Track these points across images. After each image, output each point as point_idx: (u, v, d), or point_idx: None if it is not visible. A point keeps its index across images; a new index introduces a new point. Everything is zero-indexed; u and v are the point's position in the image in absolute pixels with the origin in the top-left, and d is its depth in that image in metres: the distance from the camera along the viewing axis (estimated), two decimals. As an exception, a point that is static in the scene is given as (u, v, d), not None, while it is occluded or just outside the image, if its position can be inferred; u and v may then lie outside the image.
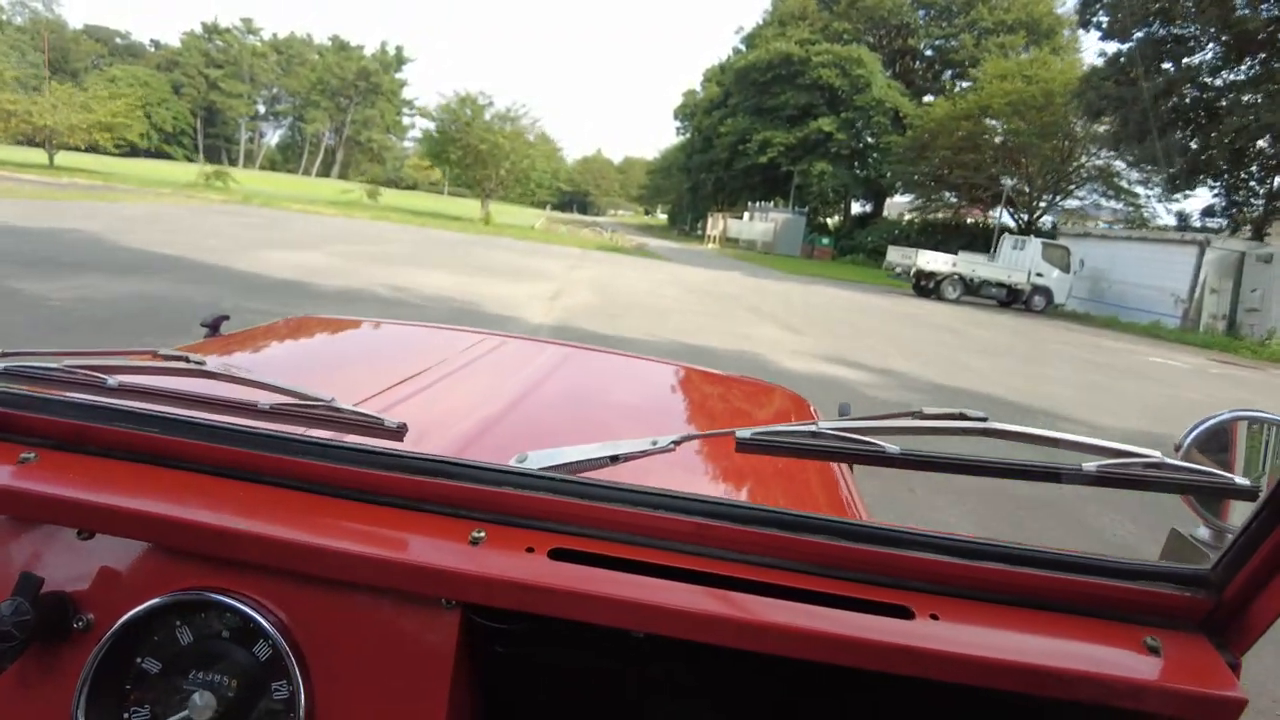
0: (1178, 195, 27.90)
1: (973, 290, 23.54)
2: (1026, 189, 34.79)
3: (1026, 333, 16.83)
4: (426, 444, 0.93)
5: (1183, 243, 22.38)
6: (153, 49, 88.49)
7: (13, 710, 0.73)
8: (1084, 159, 33.62)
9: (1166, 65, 25.01)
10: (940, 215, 41.22)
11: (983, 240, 31.21)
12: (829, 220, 48.01)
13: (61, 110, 31.77)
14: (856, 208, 49.22)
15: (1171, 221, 29.60)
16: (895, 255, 25.55)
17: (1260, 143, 23.65)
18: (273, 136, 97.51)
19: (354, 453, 0.78)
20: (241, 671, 0.72)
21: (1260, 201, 25.08)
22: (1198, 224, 27.10)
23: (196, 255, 10.87)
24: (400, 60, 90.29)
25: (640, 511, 0.76)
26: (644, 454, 0.87)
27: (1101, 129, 29.24)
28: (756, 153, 43.80)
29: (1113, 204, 34.72)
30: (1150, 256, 23.10)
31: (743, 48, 52.51)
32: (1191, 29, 24.17)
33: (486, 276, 13.22)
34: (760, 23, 52.45)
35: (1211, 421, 0.85)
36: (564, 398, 1.52)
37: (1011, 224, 34.27)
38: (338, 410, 0.82)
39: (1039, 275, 23.40)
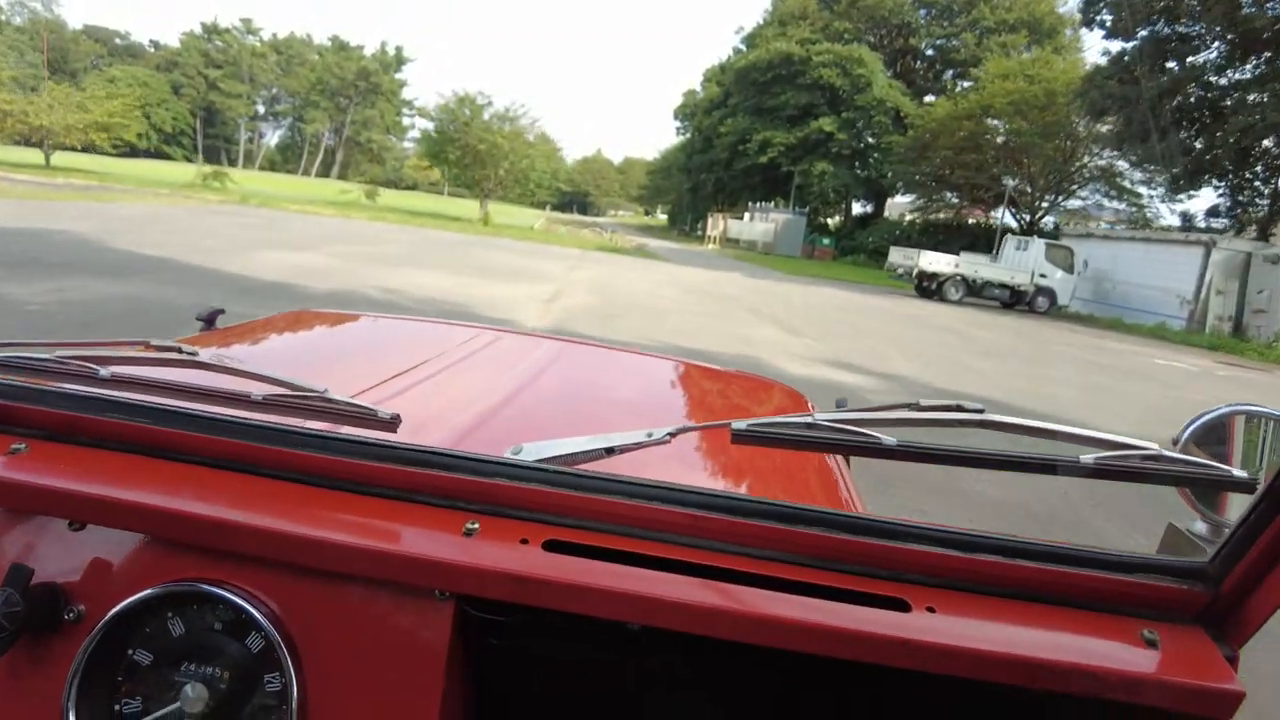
0: (1182, 195, 27.78)
1: (975, 291, 23.37)
2: (1028, 189, 34.66)
3: (1030, 334, 16.69)
4: (421, 437, 0.89)
5: (1187, 243, 22.20)
6: (152, 49, 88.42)
7: (2, 701, 0.73)
8: (1086, 159, 33.49)
9: (1171, 64, 24.88)
10: (942, 215, 41.12)
11: (984, 241, 31.08)
12: (830, 221, 47.91)
13: (58, 110, 31.59)
14: (857, 208, 49.13)
15: (1174, 222, 29.50)
16: (897, 256, 25.41)
17: (1265, 142, 23.53)
18: (272, 137, 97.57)
19: (347, 444, 0.78)
20: (234, 663, 0.72)
21: (1265, 202, 24.96)
22: (1202, 224, 26.95)
23: (188, 256, 10.71)
24: (400, 60, 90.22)
25: (635, 503, 0.75)
26: (639, 446, 0.86)
27: (1105, 129, 29.12)
28: (757, 153, 43.69)
29: (1115, 204, 34.60)
30: (1154, 257, 22.93)
31: (743, 47, 52.44)
32: (1196, 27, 24.03)
33: (483, 278, 13.06)
34: (760, 22, 52.39)
35: (1209, 416, 0.85)
36: (560, 392, 1.52)
37: (1014, 224, 34.15)
38: (331, 401, 0.81)
39: (1042, 276, 23.23)
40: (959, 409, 0.83)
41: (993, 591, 0.74)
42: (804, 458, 1.30)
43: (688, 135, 60.96)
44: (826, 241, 42.50)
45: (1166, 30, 24.61)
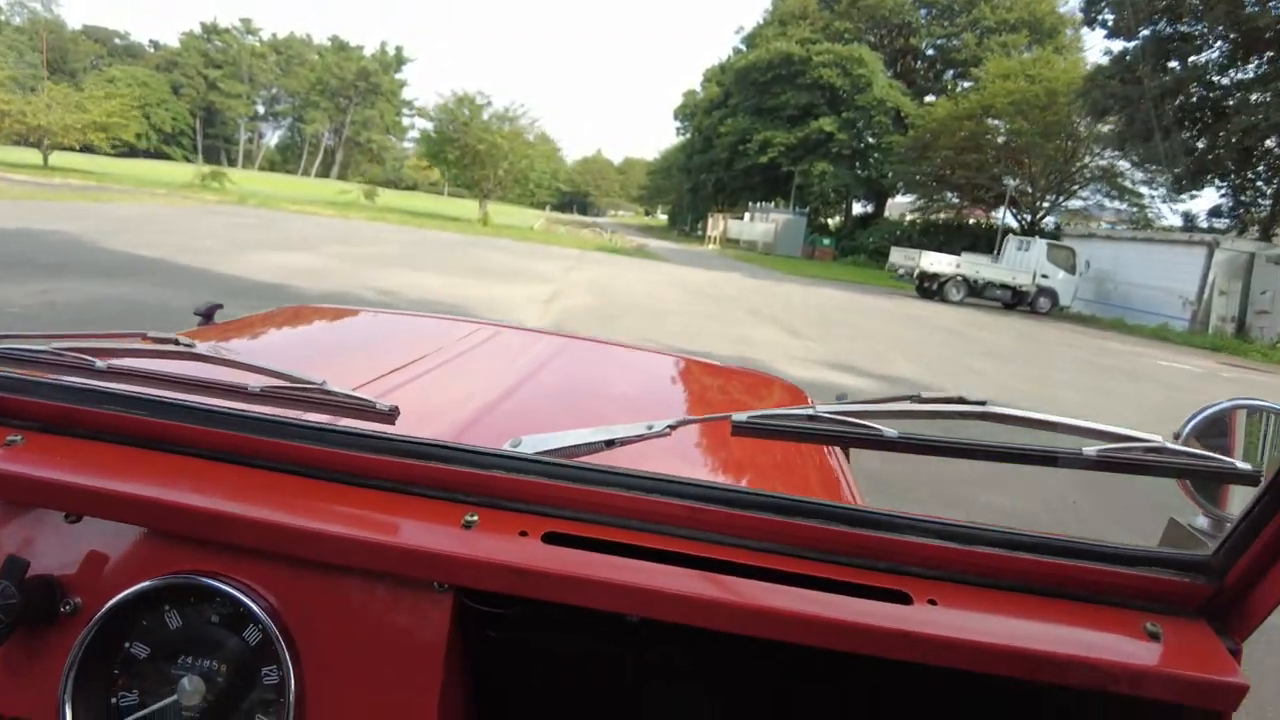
0: (1184, 195, 27.65)
1: (977, 292, 23.25)
2: (1029, 189, 34.58)
3: (1032, 335, 16.58)
4: (420, 430, 0.88)
5: (1190, 244, 22.07)
6: (152, 49, 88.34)
7: None
8: (1087, 159, 33.38)
9: (1173, 63, 24.77)
10: (942, 216, 41.04)
11: (985, 241, 30.98)
12: (830, 221, 47.82)
13: (55, 110, 31.49)
14: (858, 208, 49.03)
15: (1175, 222, 29.40)
16: (898, 256, 25.29)
17: (1268, 142, 23.43)
18: (272, 137, 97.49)
19: (345, 436, 0.77)
20: (231, 656, 0.71)
21: (1268, 202, 24.85)
22: (1204, 224, 26.83)
23: (181, 257, 10.59)
24: (400, 60, 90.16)
25: (635, 495, 0.75)
26: (639, 438, 0.85)
27: (1106, 128, 29.02)
28: (757, 153, 43.60)
29: (1116, 204, 34.50)
30: (1157, 258, 22.80)
31: (743, 47, 52.35)
32: (1199, 27, 23.92)
33: (480, 279, 12.95)
34: (761, 22, 52.30)
35: (1211, 410, 0.85)
36: (560, 386, 1.51)
37: (1014, 224, 34.04)
38: (329, 393, 0.81)
39: (1044, 277, 23.10)
40: (961, 400, 0.83)
41: (994, 584, 0.73)
42: (805, 453, 1.29)
43: (688, 135, 60.88)
44: (827, 242, 42.39)
45: (1169, 29, 24.50)
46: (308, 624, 0.71)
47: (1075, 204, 36.17)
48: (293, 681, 0.70)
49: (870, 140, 43.46)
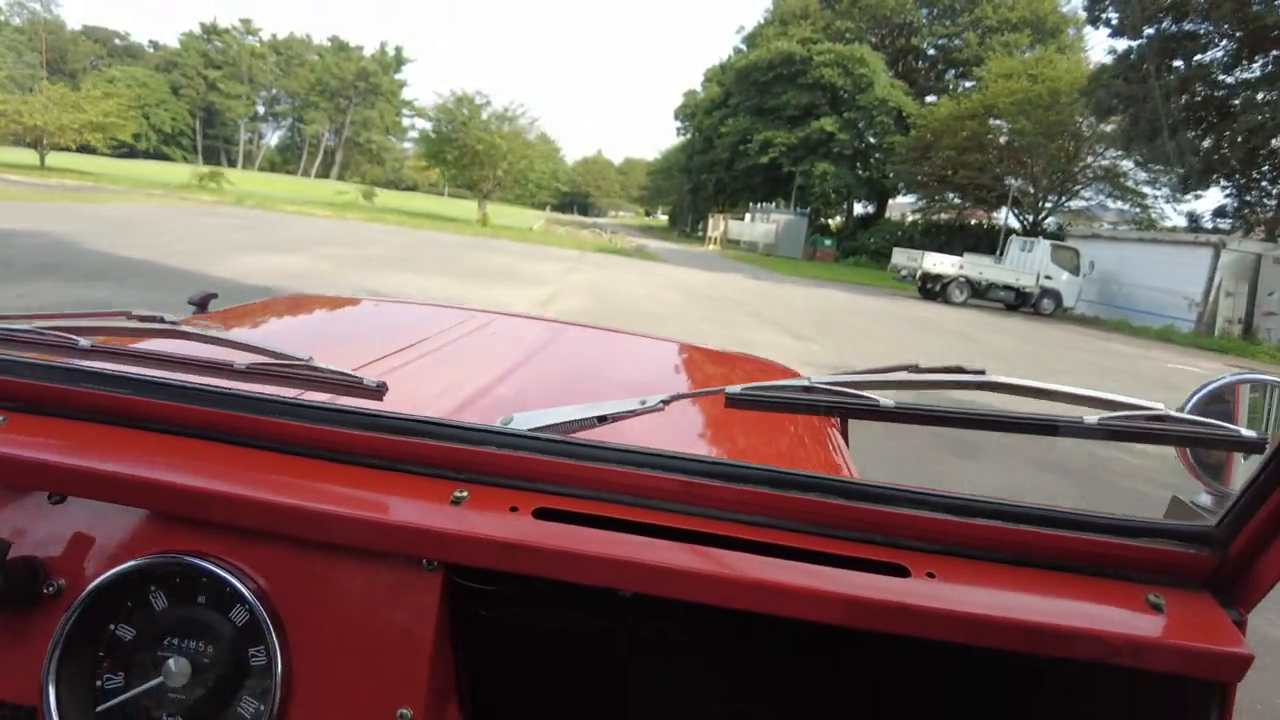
0: (1188, 195, 27.41)
1: (980, 293, 23.01)
2: (1032, 189, 34.36)
3: (1036, 337, 16.36)
4: (412, 409, 0.84)
5: (1196, 244, 21.83)
6: (151, 50, 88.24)
7: None
8: (1090, 159, 33.17)
9: (1178, 63, 24.51)
10: (944, 216, 40.83)
11: (987, 242, 30.76)
12: (831, 221, 47.59)
13: (52, 110, 31.31)
14: (859, 209, 48.77)
15: (1178, 222, 29.18)
16: (901, 257, 25.05)
17: (1274, 142, 23.19)
18: (272, 137, 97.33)
19: (332, 413, 0.76)
20: (217, 637, 0.71)
21: (1273, 202, 24.62)
22: (1208, 225, 26.60)
23: (170, 259, 10.39)
24: (400, 61, 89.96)
25: (627, 470, 0.74)
26: (632, 414, 0.84)
27: (1110, 128, 28.80)
28: (758, 153, 43.39)
29: (1118, 204, 34.29)
30: (1162, 258, 22.56)
31: (744, 47, 52.14)
32: (1204, 25, 23.67)
33: (477, 281, 12.75)
34: (761, 22, 52.08)
35: (1214, 384, 0.83)
36: (555, 369, 1.50)
37: (1016, 225, 33.81)
38: (316, 370, 0.80)
39: (1048, 278, 22.84)
40: (959, 370, 0.82)
41: (994, 557, 0.72)
42: (800, 427, 1.26)
43: (688, 136, 60.65)
44: (828, 243, 42.17)
45: (1174, 28, 24.25)
46: (295, 604, 0.70)
47: (1077, 204, 35.97)
48: (280, 662, 0.68)
49: (872, 140, 43.23)
